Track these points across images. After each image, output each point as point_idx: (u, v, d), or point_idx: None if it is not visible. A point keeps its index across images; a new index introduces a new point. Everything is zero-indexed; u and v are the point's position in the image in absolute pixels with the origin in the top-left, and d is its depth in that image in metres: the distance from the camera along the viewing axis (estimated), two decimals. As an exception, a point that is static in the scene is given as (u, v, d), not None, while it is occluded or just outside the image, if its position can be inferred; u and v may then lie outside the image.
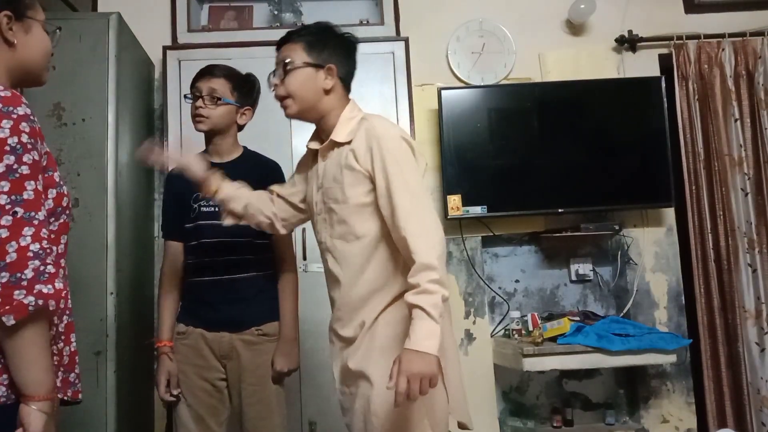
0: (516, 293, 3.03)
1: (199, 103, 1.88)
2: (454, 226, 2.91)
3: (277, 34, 2.83)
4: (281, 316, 1.91)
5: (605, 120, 2.95)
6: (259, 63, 2.73)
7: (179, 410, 1.89)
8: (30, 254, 1.02)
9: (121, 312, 2.31)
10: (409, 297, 1.35)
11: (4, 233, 1.01)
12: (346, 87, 1.61)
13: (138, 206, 2.64)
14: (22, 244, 1.02)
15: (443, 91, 2.86)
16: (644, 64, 3.07)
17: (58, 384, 1.17)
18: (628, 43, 3.05)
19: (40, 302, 1.02)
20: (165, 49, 2.79)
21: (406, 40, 2.86)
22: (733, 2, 3.14)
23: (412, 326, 1.33)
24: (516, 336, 2.76)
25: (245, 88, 1.96)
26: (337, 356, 1.59)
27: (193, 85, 1.93)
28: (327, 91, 1.54)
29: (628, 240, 2.97)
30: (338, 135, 1.52)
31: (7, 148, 1.04)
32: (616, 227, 2.90)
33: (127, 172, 2.47)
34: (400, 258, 1.47)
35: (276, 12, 3.06)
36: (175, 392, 1.86)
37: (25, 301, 1.01)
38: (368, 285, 1.49)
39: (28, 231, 1.03)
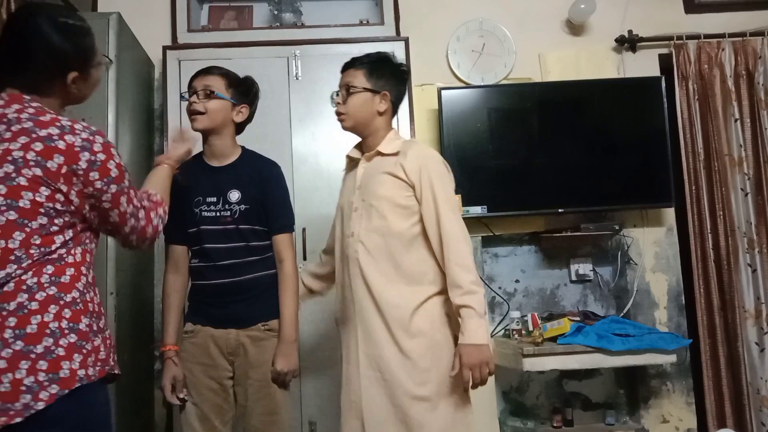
0: (516, 293, 3.03)
1: (194, 98, 1.89)
2: (454, 226, 2.90)
3: (277, 34, 2.90)
4: (281, 316, 1.89)
5: (605, 120, 2.95)
6: (259, 63, 2.78)
7: (185, 409, 1.89)
8: (155, 223, 1.45)
9: (121, 312, 2.31)
10: (457, 299, 1.66)
11: (143, 222, 1.42)
12: (395, 110, 1.90)
13: (138, 206, 2.63)
14: (155, 223, 1.45)
15: (443, 91, 2.86)
16: (644, 64, 3.07)
17: (111, 362, 1.33)
18: (628, 43, 3.06)
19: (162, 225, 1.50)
20: (165, 49, 2.78)
21: (406, 40, 2.86)
22: (733, 2, 3.14)
23: (463, 324, 1.64)
24: (516, 336, 2.76)
25: (241, 87, 1.96)
26: (359, 339, 1.76)
27: (189, 85, 1.94)
28: (380, 113, 1.84)
29: (628, 240, 2.97)
30: (385, 148, 1.82)
31: (123, 168, 1.34)
32: (616, 227, 2.90)
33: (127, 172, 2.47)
34: (431, 259, 1.75)
35: (276, 12, 3.06)
36: (180, 395, 1.86)
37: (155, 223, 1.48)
38: (405, 276, 1.74)
39: (152, 213, 1.47)
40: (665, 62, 3.06)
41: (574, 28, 3.10)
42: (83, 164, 1.25)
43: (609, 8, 3.07)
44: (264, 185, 1.93)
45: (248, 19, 3.08)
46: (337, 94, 1.86)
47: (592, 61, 3.06)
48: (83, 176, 1.25)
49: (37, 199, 1.22)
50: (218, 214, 1.88)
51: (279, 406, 1.89)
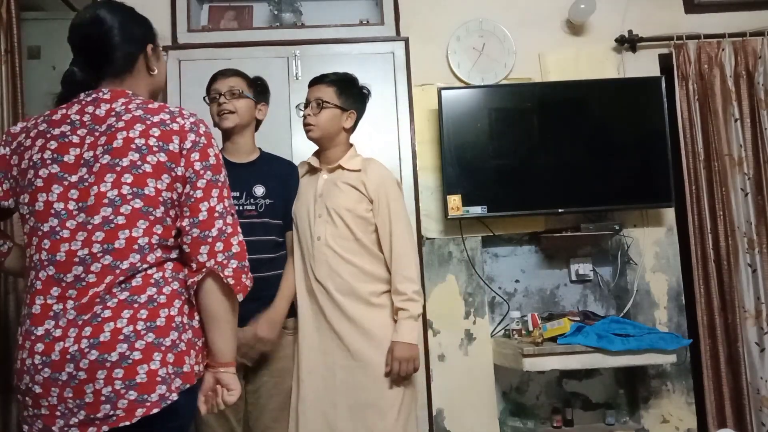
0: (516, 293, 3.03)
1: (222, 99, 1.95)
2: (454, 226, 2.91)
3: (277, 34, 2.91)
4: (279, 290, 1.96)
5: (605, 120, 2.94)
6: (259, 63, 2.78)
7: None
8: (246, 247, 1.32)
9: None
10: (398, 303, 1.92)
11: (230, 229, 1.29)
12: (356, 126, 2.07)
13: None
14: (240, 239, 1.31)
15: (443, 91, 2.85)
16: (644, 64, 3.07)
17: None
18: (628, 43, 3.05)
19: (251, 284, 1.32)
20: (165, 49, 2.78)
21: (406, 40, 2.86)
22: (733, 2, 3.14)
23: (399, 324, 1.91)
24: (516, 336, 2.76)
25: (259, 86, 2.06)
26: (329, 328, 1.95)
27: (209, 88, 2.00)
28: (345, 130, 2.02)
29: (628, 240, 2.97)
30: (348, 164, 2.00)
31: (220, 161, 1.33)
32: (616, 227, 2.89)
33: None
34: (381, 261, 1.99)
35: (276, 12, 3.06)
36: None
37: (247, 283, 1.30)
38: (368, 275, 1.96)
39: (239, 229, 1.32)
40: (665, 62, 3.06)
41: (574, 28, 3.10)
42: (188, 144, 1.28)
43: (609, 8, 3.07)
44: (285, 182, 2.03)
45: (248, 19, 3.08)
46: (306, 106, 2.01)
47: (592, 61, 3.06)
48: (186, 155, 1.27)
49: (159, 186, 1.25)
50: (242, 208, 1.93)
51: (287, 403, 1.95)
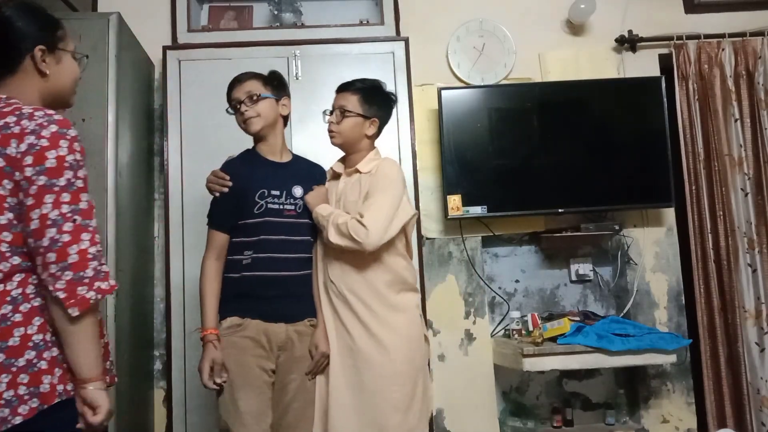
0: (516, 293, 3.03)
1: (243, 108, 1.96)
2: (454, 226, 2.91)
3: (277, 34, 2.91)
4: (317, 304, 2.00)
5: (605, 120, 2.95)
6: (259, 63, 2.77)
7: (239, 403, 1.84)
8: (89, 256, 1.19)
9: (120, 312, 2.32)
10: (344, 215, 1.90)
11: (67, 237, 1.17)
12: (380, 132, 2.08)
13: (138, 206, 2.64)
14: (82, 247, 1.19)
15: (443, 91, 2.85)
16: (644, 64, 3.07)
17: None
18: (628, 43, 3.06)
19: (99, 296, 1.20)
20: (165, 49, 2.78)
21: (406, 40, 2.86)
22: (733, 2, 3.14)
23: (332, 212, 1.92)
24: (516, 336, 2.76)
25: (275, 81, 2.04)
26: (343, 328, 1.95)
27: (229, 98, 2.01)
28: (368, 136, 2.04)
29: (628, 240, 2.97)
30: (364, 167, 2.01)
31: (66, 164, 1.20)
32: (616, 227, 2.89)
33: (127, 172, 2.48)
34: (404, 261, 1.99)
35: (276, 12, 3.06)
36: (218, 380, 1.85)
37: (87, 296, 1.18)
38: (386, 273, 1.94)
39: (86, 236, 1.20)
40: (665, 62, 3.06)
41: (574, 28, 3.10)
42: (23, 147, 1.18)
43: (609, 8, 3.07)
44: (319, 185, 2.06)
45: (248, 19, 3.08)
46: (331, 113, 2.04)
47: (592, 61, 3.06)
48: (20, 161, 1.18)
49: (1, 192, 1.19)
50: (282, 207, 1.95)
51: (313, 401, 1.95)
